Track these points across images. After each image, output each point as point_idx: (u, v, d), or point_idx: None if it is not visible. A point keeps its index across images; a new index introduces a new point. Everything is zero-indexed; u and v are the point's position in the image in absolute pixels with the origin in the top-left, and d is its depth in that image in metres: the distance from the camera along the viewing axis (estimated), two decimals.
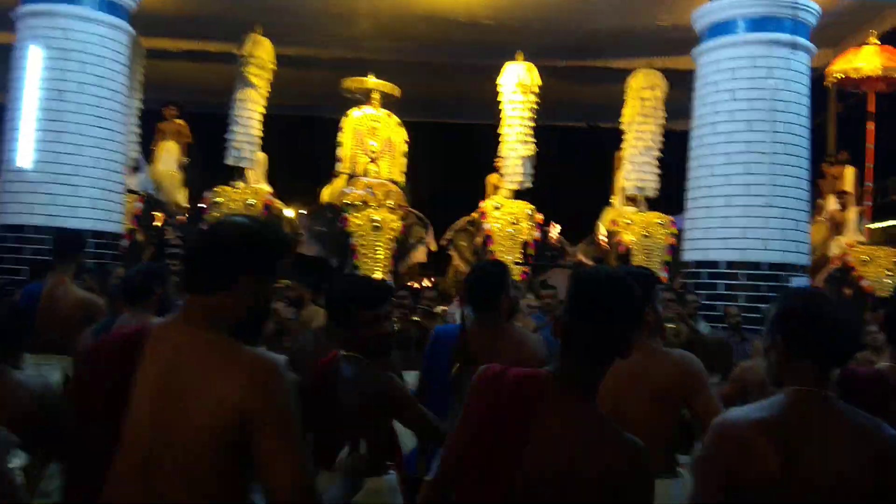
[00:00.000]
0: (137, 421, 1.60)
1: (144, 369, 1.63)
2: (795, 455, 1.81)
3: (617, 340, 1.85)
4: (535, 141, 11.12)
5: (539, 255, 10.85)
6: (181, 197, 12.27)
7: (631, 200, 11.33)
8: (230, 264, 1.69)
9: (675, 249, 10.45)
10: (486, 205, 10.82)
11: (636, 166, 11.24)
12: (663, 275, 10.03)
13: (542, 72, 11.18)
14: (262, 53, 10.88)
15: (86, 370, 1.79)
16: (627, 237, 10.70)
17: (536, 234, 10.61)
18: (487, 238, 10.50)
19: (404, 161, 11.54)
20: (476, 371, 1.94)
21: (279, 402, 1.61)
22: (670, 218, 10.87)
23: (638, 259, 10.37)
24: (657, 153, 11.24)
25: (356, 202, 10.40)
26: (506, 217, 10.62)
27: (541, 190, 11.39)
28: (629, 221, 10.85)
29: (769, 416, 1.88)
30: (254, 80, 10.84)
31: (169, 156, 12.46)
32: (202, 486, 1.58)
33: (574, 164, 16.09)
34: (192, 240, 1.82)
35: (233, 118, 10.82)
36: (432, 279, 12.55)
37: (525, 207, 10.76)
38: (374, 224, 10.20)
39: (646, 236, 10.70)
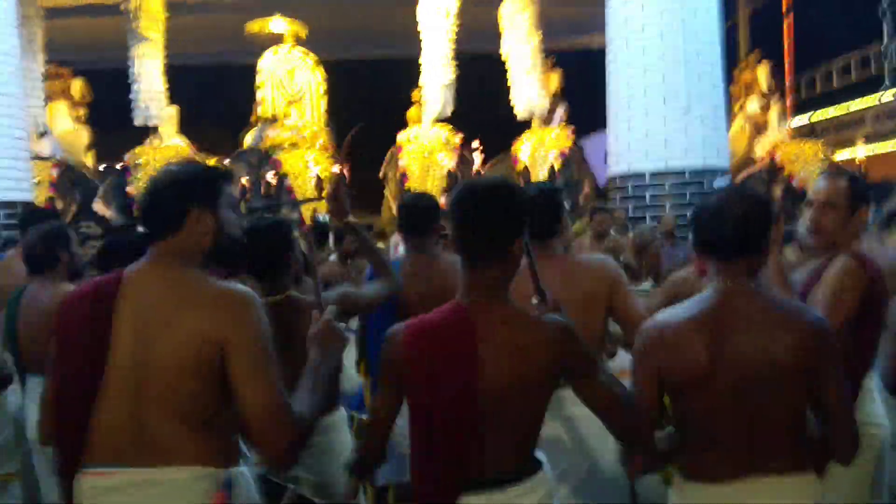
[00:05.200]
0: (122, 355, 1.75)
1: (122, 310, 1.78)
2: (722, 346, 1.89)
3: (498, 243, 1.85)
4: (455, 66, 10.94)
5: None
6: (88, 158, 11.83)
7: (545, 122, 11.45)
8: (174, 205, 1.83)
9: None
10: (401, 137, 10.68)
11: (520, 89, 11.31)
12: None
13: None
14: (150, 5, 10.42)
15: (63, 320, 1.87)
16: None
17: (452, 162, 10.50)
18: (403, 175, 10.41)
19: (324, 102, 11.29)
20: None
21: (248, 331, 1.74)
22: (566, 128, 11.06)
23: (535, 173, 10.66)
24: (539, 73, 11.30)
25: (284, 144, 10.20)
26: (419, 149, 10.51)
27: (464, 117, 11.28)
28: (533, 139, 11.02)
29: (695, 313, 1.96)
30: (146, 33, 10.40)
31: (60, 116, 11.93)
32: (184, 408, 1.74)
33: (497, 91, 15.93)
34: (142, 195, 1.94)
35: (133, 76, 10.41)
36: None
37: (440, 133, 10.63)
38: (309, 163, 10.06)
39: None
